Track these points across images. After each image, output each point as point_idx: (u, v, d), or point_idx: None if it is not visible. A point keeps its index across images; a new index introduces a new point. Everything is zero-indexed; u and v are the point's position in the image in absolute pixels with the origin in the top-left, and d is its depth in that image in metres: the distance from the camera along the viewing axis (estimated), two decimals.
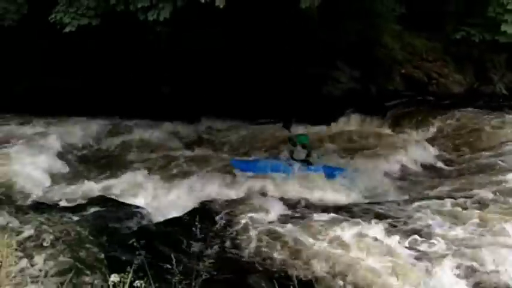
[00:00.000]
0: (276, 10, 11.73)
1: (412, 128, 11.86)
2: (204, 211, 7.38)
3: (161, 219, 7.25)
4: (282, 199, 8.13)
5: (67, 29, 8.45)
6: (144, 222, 7.03)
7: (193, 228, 4.36)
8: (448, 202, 7.43)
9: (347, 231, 6.55)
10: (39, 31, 11.41)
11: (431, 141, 11.03)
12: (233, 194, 8.40)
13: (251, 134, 12.01)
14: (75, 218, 5.94)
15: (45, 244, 5.05)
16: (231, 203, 7.85)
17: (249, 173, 9.13)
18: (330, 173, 9.09)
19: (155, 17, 7.55)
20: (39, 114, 12.52)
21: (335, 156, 10.15)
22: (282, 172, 9.02)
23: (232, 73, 12.31)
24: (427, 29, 14.75)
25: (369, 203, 8.02)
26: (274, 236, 6.55)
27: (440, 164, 9.92)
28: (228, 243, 6.38)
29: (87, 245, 5.21)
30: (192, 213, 7.28)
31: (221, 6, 7.14)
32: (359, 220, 6.88)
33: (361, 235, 6.45)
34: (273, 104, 12.05)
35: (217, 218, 7.21)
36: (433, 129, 11.65)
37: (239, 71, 12.27)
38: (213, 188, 8.64)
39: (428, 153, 10.37)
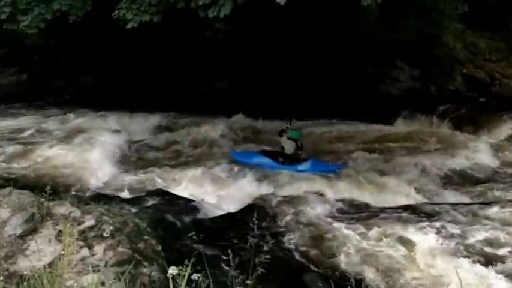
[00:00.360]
0: (336, 8, 11.58)
1: (474, 130, 11.40)
2: (259, 207, 7.37)
3: (216, 214, 7.31)
4: (334, 198, 8.06)
5: (129, 25, 8.69)
6: (200, 216, 7.11)
7: (250, 224, 4.36)
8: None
9: (405, 232, 6.37)
10: (102, 27, 11.84)
11: (494, 144, 10.55)
12: (287, 191, 8.36)
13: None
14: (134, 210, 6.09)
15: (105, 234, 5.13)
16: (286, 200, 7.81)
17: (303, 174, 9.06)
18: (323, 170, 9.06)
19: (215, 14, 7.62)
20: (103, 108, 13.00)
21: (398, 155, 9.88)
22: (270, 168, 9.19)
23: (289, 70, 12.26)
24: (490, 28, 14.22)
25: (427, 203, 7.77)
26: (329, 234, 6.48)
27: (505, 169, 9.45)
28: (283, 240, 6.36)
29: (145, 237, 5.27)
30: (246, 209, 7.36)
31: (282, 4, 7.12)
32: (418, 221, 6.69)
33: (418, 237, 6.26)
34: (326, 103, 11.95)
35: (272, 214, 7.20)
36: (497, 132, 11.14)
37: (296, 68, 12.21)
38: (267, 185, 8.66)
39: (492, 157, 9.92)
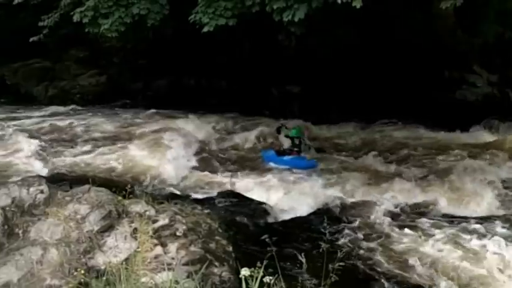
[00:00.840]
0: (412, 11, 11.21)
1: None
2: (328, 212, 7.29)
3: (287, 217, 7.28)
4: (406, 204, 7.78)
5: (205, 29, 8.81)
6: (270, 219, 7.11)
7: (320, 229, 4.28)
8: None
9: (483, 244, 6.08)
10: (178, 31, 12.18)
11: None
12: (356, 195, 8.20)
13: (370, 136, 11.63)
14: (206, 211, 6.13)
15: (178, 234, 5.24)
16: (355, 205, 7.69)
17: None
18: (299, 166, 9.50)
19: (290, 17, 7.58)
20: (177, 110, 13.38)
21: (472, 163, 9.38)
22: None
23: (362, 74, 12.00)
24: None
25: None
26: (400, 241, 6.33)
27: None
28: (353, 246, 6.21)
29: (217, 237, 5.32)
30: (316, 213, 7.29)
31: (358, 6, 6.95)
32: (497, 233, 6.37)
33: (497, 250, 5.92)
34: (399, 105, 11.57)
35: (341, 219, 7.09)
36: None
37: (369, 73, 11.93)
38: (335, 189, 8.51)
39: None
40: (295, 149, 9.82)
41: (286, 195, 8.39)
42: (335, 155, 10.44)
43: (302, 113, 12.30)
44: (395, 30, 11.71)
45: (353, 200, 7.99)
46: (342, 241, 6.17)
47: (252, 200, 7.83)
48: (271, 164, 9.72)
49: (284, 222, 7.00)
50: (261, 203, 7.70)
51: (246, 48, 13.37)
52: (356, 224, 6.88)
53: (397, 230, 6.73)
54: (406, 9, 11.08)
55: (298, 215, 7.30)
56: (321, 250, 3.94)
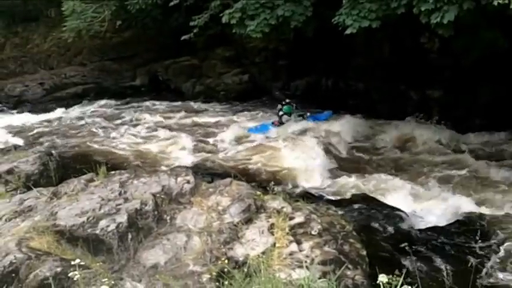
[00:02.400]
0: None
1: None
2: (469, 224, 6.81)
3: (423, 225, 6.98)
4: None
5: (348, 31, 8.79)
6: (405, 226, 6.87)
7: (465, 241, 4.01)
8: None
9: None
10: (318, 32, 12.25)
11: None
12: (496, 210, 7.53)
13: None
14: (340, 212, 6.13)
15: (313, 232, 5.29)
16: (497, 219, 7.04)
17: None
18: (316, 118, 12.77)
19: (438, 20, 7.25)
20: (316, 109, 13.52)
21: None
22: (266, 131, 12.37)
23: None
24: None
25: None
26: None
27: None
28: (499, 263, 5.69)
29: (351, 240, 5.28)
30: (456, 224, 6.89)
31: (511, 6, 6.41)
32: None
33: None
34: None
35: (484, 233, 6.49)
36: None
37: None
38: (474, 202, 7.89)
39: None
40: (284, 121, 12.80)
41: (422, 202, 8.04)
42: (476, 165, 9.68)
43: (442, 118, 11.61)
44: None
45: (497, 213, 7.37)
46: (486, 256, 5.70)
47: (386, 205, 7.63)
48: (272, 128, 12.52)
49: (421, 230, 6.70)
50: (395, 209, 7.46)
51: (386, 50, 12.97)
52: (501, 238, 6.32)
53: None
54: None
55: (436, 224, 6.96)
56: (468, 264, 3.70)
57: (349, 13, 8.71)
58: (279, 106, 12.96)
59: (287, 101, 13.08)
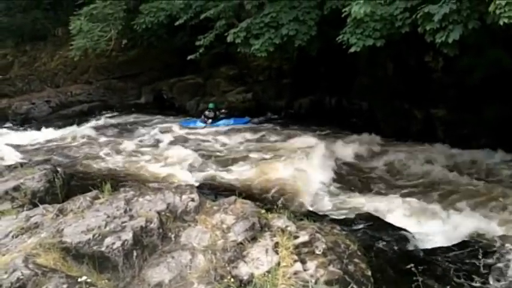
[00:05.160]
0: None
1: None
2: (478, 245, 6.74)
3: (428, 246, 6.93)
4: None
5: (352, 49, 8.88)
6: (410, 246, 6.84)
7: (471, 263, 4.00)
8: None
9: None
10: (321, 51, 12.38)
11: None
12: (503, 228, 7.47)
13: None
14: (344, 231, 6.12)
15: (317, 252, 5.27)
16: (507, 239, 6.95)
17: None
18: (234, 123, 15.43)
19: (443, 39, 7.32)
20: (319, 127, 13.71)
21: None
22: (195, 125, 15.57)
23: None
24: None
25: None
26: None
27: None
28: (507, 284, 5.66)
29: (356, 260, 5.26)
30: (462, 244, 6.81)
31: None
32: None
33: None
34: None
35: (492, 254, 6.48)
36: None
37: None
38: (484, 222, 7.83)
39: None
40: (217, 115, 15.79)
41: (427, 222, 8.00)
42: (481, 184, 9.63)
43: (447, 137, 11.64)
44: None
45: (504, 233, 7.29)
46: (497, 278, 5.64)
47: (390, 224, 7.60)
48: (199, 124, 15.56)
49: (426, 250, 6.66)
50: (400, 229, 7.43)
51: (390, 68, 13.06)
52: (509, 259, 6.26)
53: None
54: None
55: (441, 245, 6.90)
56: (474, 286, 3.69)
57: (353, 32, 8.82)
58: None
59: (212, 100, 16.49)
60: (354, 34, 8.76)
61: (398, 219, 8.01)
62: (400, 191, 9.42)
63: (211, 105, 16.02)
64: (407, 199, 8.86)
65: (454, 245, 6.83)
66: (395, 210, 8.42)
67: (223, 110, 16.16)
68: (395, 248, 6.62)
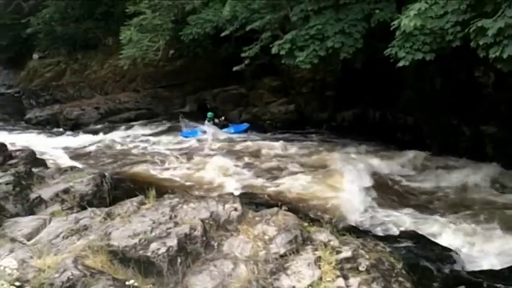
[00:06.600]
0: None
1: None
2: None
3: (476, 267, 6.72)
4: None
5: (400, 63, 8.75)
6: (457, 267, 6.65)
7: None
8: None
9: None
10: (367, 63, 12.25)
11: None
12: None
13: None
14: (388, 249, 5.99)
15: (360, 268, 5.17)
16: None
17: None
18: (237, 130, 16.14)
19: (498, 54, 7.09)
20: (362, 141, 13.51)
21: None
22: (196, 136, 15.69)
23: None
24: None
25: None
26: None
27: None
28: None
29: (400, 279, 5.13)
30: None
31: None
32: None
33: None
34: None
35: None
36: None
37: None
38: None
39: None
40: (217, 123, 16.25)
41: (475, 243, 7.75)
42: None
43: (497, 155, 11.24)
44: None
45: None
46: None
47: (437, 244, 7.43)
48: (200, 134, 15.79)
49: (474, 273, 6.45)
50: (446, 249, 7.25)
51: (438, 83, 12.75)
52: None
53: None
54: None
55: (490, 267, 6.68)
56: None
57: (402, 45, 8.68)
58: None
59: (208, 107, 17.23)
60: (402, 48, 8.63)
61: (445, 238, 7.84)
62: (447, 209, 9.18)
63: (210, 115, 16.35)
64: (455, 218, 8.66)
65: (504, 268, 6.59)
66: (441, 229, 8.24)
67: (222, 118, 16.51)
68: (442, 268, 6.46)
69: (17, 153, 8.71)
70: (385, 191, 10.23)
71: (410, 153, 12.14)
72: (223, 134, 15.77)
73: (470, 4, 8.00)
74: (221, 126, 16.29)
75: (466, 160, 11.37)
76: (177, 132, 16.65)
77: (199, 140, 15.19)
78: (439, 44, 8.41)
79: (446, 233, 8.02)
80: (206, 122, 16.22)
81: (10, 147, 8.88)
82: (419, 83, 12.85)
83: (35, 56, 24.78)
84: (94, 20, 22.43)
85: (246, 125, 16.45)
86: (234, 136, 15.64)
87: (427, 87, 12.71)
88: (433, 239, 7.61)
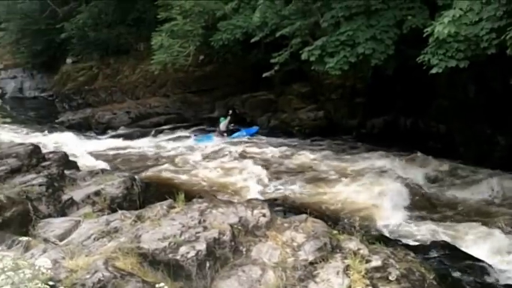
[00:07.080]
0: None
1: None
2: None
3: (509, 281, 6.51)
4: None
5: (433, 70, 8.62)
6: (490, 280, 6.49)
7: None
8: None
9: None
10: (398, 70, 12.09)
11: None
12: None
13: None
14: (418, 259, 5.87)
15: (391, 278, 5.08)
16: None
17: None
18: (247, 134, 16.70)
19: None
20: (393, 149, 13.29)
21: None
22: (210, 141, 16.08)
23: None
24: None
25: None
26: None
27: None
28: None
29: None
30: None
31: None
32: None
33: None
34: None
35: None
36: None
37: None
38: None
39: None
40: (229, 128, 16.89)
41: (508, 256, 7.54)
42: None
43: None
44: None
45: None
46: None
47: (468, 255, 7.25)
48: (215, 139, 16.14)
49: (507, 286, 6.25)
50: (478, 260, 7.08)
51: (471, 90, 12.50)
52: None
53: None
54: None
55: None
56: None
57: (435, 52, 8.55)
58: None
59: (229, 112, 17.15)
60: (435, 55, 8.49)
61: (477, 250, 7.66)
62: (480, 221, 8.91)
63: (222, 120, 16.93)
64: (487, 230, 8.42)
65: None
66: (473, 240, 8.07)
67: (232, 125, 17.17)
68: (474, 280, 6.30)
69: (50, 155, 8.87)
70: (416, 200, 10.04)
71: (443, 162, 11.91)
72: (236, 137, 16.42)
73: (507, 11, 7.83)
74: (231, 131, 16.87)
75: (500, 171, 11.06)
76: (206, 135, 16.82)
77: (221, 147, 15.27)
78: (473, 51, 8.25)
79: (478, 243, 7.84)
80: (221, 125, 16.79)
81: (43, 150, 9.06)
82: (452, 91, 12.63)
83: (68, 60, 25.32)
84: (126, 25, 22.80)
85: (255, 128, 17.22)
86: (262, 142, 15.60)
87: (460, 95, 12.48)
88: (464, 250, 7.44)
